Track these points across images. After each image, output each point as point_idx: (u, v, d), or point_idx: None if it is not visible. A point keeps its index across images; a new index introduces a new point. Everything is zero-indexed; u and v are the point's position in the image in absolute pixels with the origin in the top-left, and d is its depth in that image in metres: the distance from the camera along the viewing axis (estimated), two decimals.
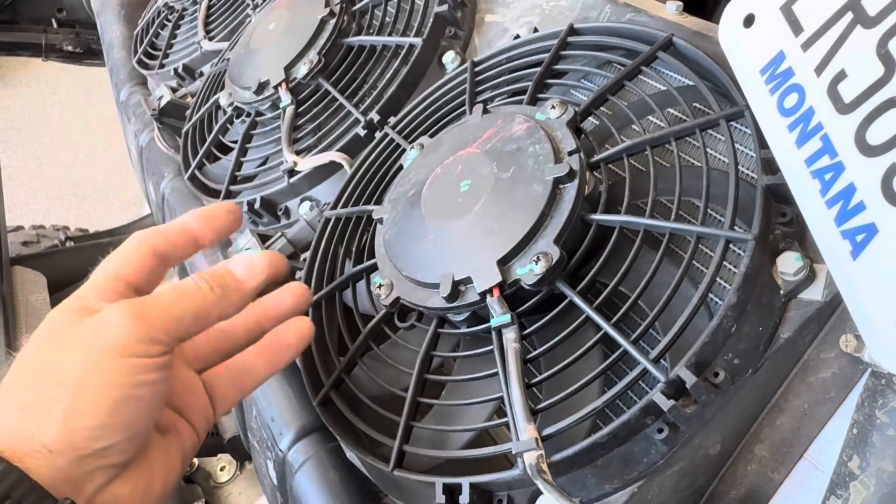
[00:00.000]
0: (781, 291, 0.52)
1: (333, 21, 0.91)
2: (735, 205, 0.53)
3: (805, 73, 0.50)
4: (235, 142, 0.97)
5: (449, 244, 0.59)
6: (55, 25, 1.87)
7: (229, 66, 1.00)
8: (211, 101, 1.03)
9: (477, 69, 0.77)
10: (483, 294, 0.56)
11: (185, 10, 1.30)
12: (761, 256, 0.52)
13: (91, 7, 1.75)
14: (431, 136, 0.73)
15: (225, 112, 0.99)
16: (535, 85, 0.68)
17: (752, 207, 0.53)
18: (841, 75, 0.48)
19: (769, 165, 0.53)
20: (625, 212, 0.57)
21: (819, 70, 0.49)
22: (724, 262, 0.55)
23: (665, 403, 0.49)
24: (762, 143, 0.54)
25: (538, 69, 0.70)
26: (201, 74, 1.21)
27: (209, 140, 1.00)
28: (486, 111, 0.67)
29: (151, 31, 1.34)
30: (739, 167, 0.56)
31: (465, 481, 0.53)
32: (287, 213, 0.88)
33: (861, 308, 0.45)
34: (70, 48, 1.86)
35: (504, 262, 0.56)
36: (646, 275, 0.53)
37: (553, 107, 0.62)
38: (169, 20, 1.33)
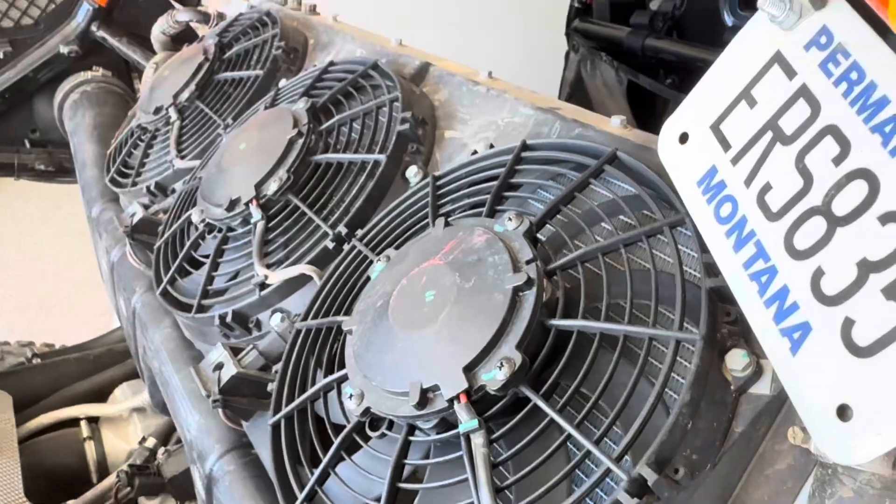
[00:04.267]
0: (732, 387, 0.55)
1: (301, 140, 0.96)
2: (683, 307, 0.56)
3: (736, 185, 0.55)
4: (207, 256, 1.00)
5: (416, 353, 0.62)
6: (28, 146, 1.91)
7: (201, 185, 1.04)
8: (183, 217, 1.06)
9: (438, 183, 0.82)
10: (451, 401, 0.58)
11: (157, 130, 1.35)
12: (710, 355, 0.55)
13: (65, 128, 1.81)
14: (397, 247, 0.76)
15: (197, 228, 1.02)
16: (493, 198, 0.73)
17: (699, 307, 0.56)
18: (767, 187, 0.52)
19: (711, 269, 0.57)
20: (581, 316, 0.60)
21: (748, 182, 0.54)
22: (679, 358, 0.58)
23: (629, 502, 0.50)
24: (703, 248, 0.58)
25: (495, 182, 0.75)
26: (173, 191, 1.25)
27: (181, 255, 1.02)
28: (447, 224, 0.71)
29: (124, 151, 1.39)
30: (685, 268, 0.60)
31: None
32: (258, 325, 0.90)
33: (803, 402, 0.47)
34: (42, 167, 1.90)
35: (469, 369, 0.58)
36: (605, 375, 0.56)
37: (510, 219, 0.66)
38: (142, 140, 1.37)
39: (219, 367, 0.83)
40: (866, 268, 0.45)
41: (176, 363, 1.04)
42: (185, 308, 0.97)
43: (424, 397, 0.59)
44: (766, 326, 0.51)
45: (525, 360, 0.57)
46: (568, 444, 0.56)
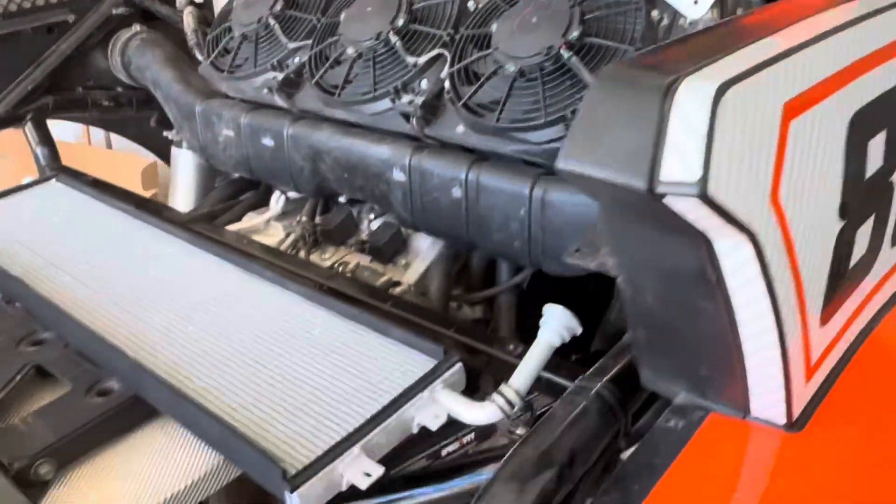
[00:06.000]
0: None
1: (406, 1, 1.83)
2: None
3: None
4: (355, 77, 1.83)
5: (535, 36, 1.54)
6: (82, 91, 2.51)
7: (343, 36, 1.87)
8: (332, 59, 1.88)
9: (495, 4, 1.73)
10: (559, 48, 1.51)
11: (259, 35, 2.11)
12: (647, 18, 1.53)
13: (129, 69, 2.45)
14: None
15: (349, 57, 1.84)
16: None
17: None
18: None
19: None
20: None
21: None
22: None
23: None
24: None
25: None
26: (288, 66, 2.03)
27: (344, 78, 1.84)
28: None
29: (232, 54, 2.13)
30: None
31: None
32: (414, 89, 1.76)
33: (685, 10, 1.47)
34: (106, 103, 2.51)
35: (563, 35, 1.51)
36: (612, 37, 1.52)
37: None
38: (245, 43, 2.12)
39: (410, 101, 1.69)
40: None
41: (348, 138, 1.85)
42: (359, 102, 1.79)
43: (548, 51, 1.52)
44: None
45: (582, 29, 1.52)
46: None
